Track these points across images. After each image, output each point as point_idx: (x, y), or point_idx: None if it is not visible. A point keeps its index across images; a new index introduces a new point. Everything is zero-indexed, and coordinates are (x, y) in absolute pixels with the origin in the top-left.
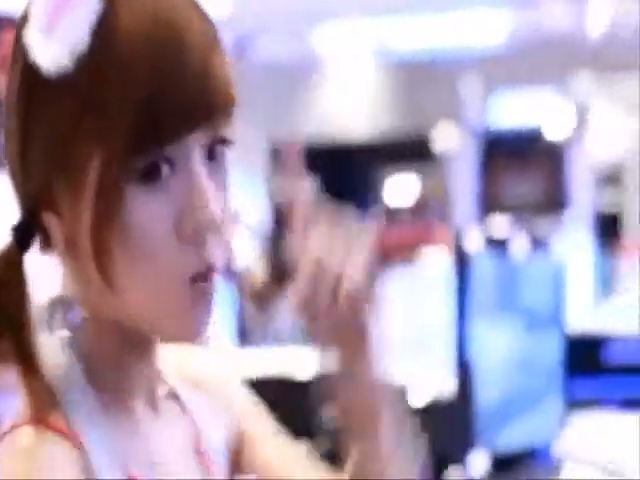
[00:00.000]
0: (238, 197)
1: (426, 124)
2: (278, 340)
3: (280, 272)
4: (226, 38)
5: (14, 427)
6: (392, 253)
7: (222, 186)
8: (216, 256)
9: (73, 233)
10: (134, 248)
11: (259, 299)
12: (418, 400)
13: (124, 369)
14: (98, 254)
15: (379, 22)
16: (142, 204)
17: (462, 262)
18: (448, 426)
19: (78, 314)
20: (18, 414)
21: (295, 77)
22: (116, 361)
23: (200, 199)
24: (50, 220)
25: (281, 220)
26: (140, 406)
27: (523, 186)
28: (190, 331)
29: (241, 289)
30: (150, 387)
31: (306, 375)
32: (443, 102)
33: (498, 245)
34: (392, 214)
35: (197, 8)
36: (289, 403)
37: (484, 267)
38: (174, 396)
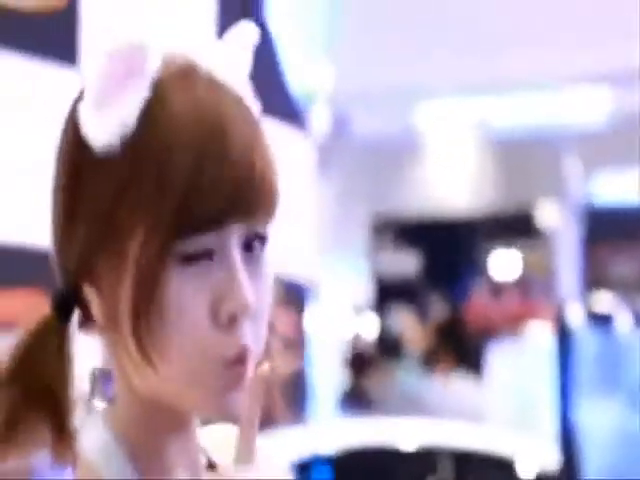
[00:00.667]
0: (342, 274)
1: (528, 200)
2: (379, 410)
3: (383, 344)
4: (326, 114)
5: None
6: (497, 327)
7: (258, 277)
8: (250, 340)
9: (113, 309)
10: (171, 328)
11: (362, 370)
12: (524, 474)
13: (162, 443)
14: (136, 332)
15: (480, 99)
16: (180, 286)
17: (565, 337)
18: None
19: (114, 388)
20: None
21: (397, 153)
22: (154, 435)
23: (236, 286)
24: (91, 294)
25: (384, 295)
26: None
27: (626, 264)
28: (223, 410)
29: (345, 361)
30: (192, 460)
31: (409, 445)
32: (545, 178)
33: (601, 321)
34: (496, 288)
35: (242, 102)
36: (392, 473)
37: (587, 342)
38: (213, 468)
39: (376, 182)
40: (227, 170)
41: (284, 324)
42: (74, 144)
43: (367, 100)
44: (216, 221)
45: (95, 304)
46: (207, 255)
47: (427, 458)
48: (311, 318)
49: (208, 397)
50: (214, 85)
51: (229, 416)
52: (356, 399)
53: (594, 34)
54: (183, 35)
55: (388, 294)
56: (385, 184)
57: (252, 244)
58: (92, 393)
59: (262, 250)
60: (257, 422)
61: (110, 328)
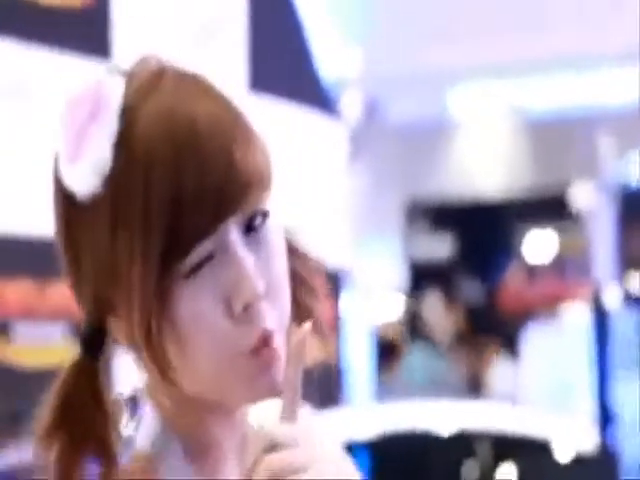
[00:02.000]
0: (375, 258)
1: (563, 181)
2: (409, 394)
3: (416, 327)
4: (358, 100)
5: None
6: (532, 309)
7: (266, 253)
8: (271, 318)
9: (130, 333)
10: (191, 338)
11: (394, 355)
12: (563, 454)
13: (212, 432)
14: (152, 354)
15: (513, 81)
16: (189, 297)
17: (601, 317)
18: (592, 478)
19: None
20: None
21: (431, 136)
22: (204, 426)
23: (242, 279)
24: (114, 323)
25: (417, 278)
26: (232, 464)
27: None
28: (264, 394)
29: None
30: (240, 444)
31: (447, 429)
32: (579, 159)
33: (637, 301)
34: (531, 271)
35: (214, 94)
36: (430, 457)
37: (623, 322)
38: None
39: (410, 166)
40: (206, 179)
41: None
42: (62, 197)
43: (399, 84)
44: (207, 231)
45: (117, 332)
46: (208, 259)
47: (465, 441)
48: (346, 303)
49: (246, 388)
50: (184, 84)
51: (272, 396)
52: (390, 384)
53: (629, 14)
54: (215, 18)
55: (422, 278)
56: (419, 168)
57: (253, 224)
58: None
59: (266, 223)
60: (299, 386)
61: (133, 352)
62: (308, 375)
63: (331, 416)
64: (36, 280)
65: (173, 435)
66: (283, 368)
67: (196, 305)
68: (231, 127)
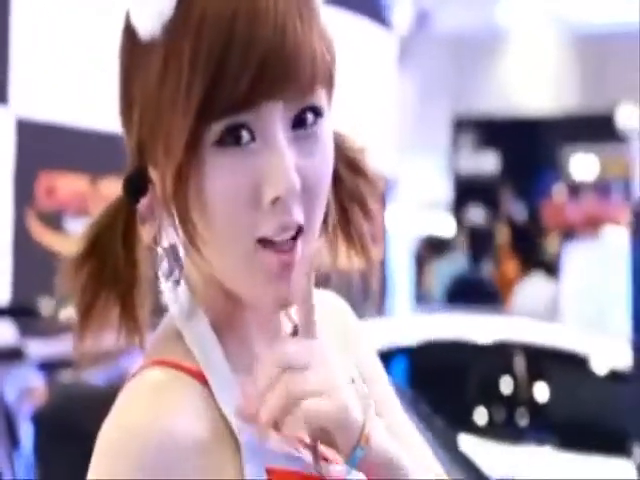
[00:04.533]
0: (421, 170)
1: (609, 101)
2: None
3: (461, 237)
4: (409, 9)
5: (142, 368)
6: (574, 228)
7: (312, 153)
8: (300, 218)
9: (164, 189)
10: (212, 211)
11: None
12: (599, 369)
13: (244, 319)
14: (180, 214)
15: None
16: (222, 169)
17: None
18: (626, 392)
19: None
20: (153, 356)
21: (478, 49)
22: (232, 308)
23: (279, 168)
24: (154, 175)
25: (464, 191)
26: (264, 351)
27: None
28: (274, 298)
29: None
30: (276, 333)
31: (485, 339)
32: (626, 80)
33: None
34: (575, 190)
35: None
36: (468, 366)
37: None
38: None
39: (457, 79)
40: (255, 48)
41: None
42: (127, 33)
43: None
44: (247, 99)
45: (157, 184)
46: (250, 136)
47: (502, 353)
48: (391, 214)
49: (248, 281)
50: None
51: (282, 302)
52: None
53: None
54: None
55: (467, 193)
56: (466, 81)
57: (304, 119)
58: (167, 270)
59: (317, 123)
60: (312, 300)
61: (167, 207)
62: (356, 283)
63: (375, 323)
64: (90, 174)
65: (201, 306)
66: (300, 281)
67: (225, 181)
68: (294, 11)
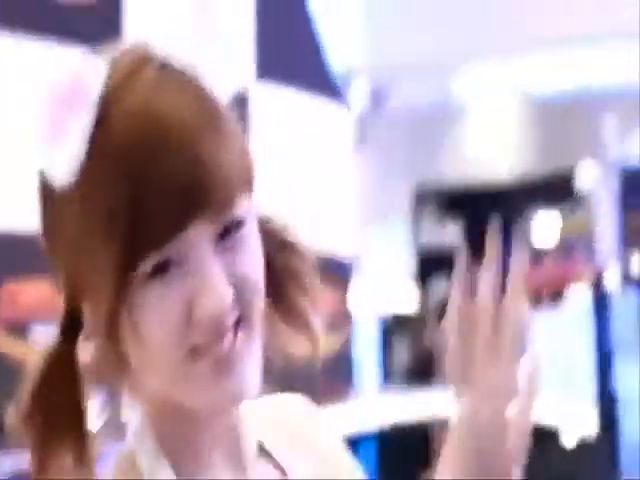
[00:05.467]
0: (385, 244)
1: (569, 164)
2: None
3: (426, 312)
4: (364, 86)
5: None
6: (539, 293)
7: (240, 256)
8: (230, 323)
9: (95, 325)
10: (145, 337)
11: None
12: (567, 439)
13: (192, 431)
14: (113, 348)
15: (517, 63)
16: (152, 298)
17: (602, 300)
18: (595, 461)
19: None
20: None
21: (437, 121)
22: (180, 425)
23: (207, 289)
24: (85, 312)
25: (425, 266)
26: (223, 467)
27: None
28: (221, 397)
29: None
30: (234, 448)
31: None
32: (584, 141)
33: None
34: (537, 253)
35: (194, 90)
36: (433, 448)
37: (624, 304)
38: (266, 454)
39: (417, 152)
40: (172, 178)
41: (327, 302)
42: (42, 182)
43: (405, 69)
44: (168, 236)
45: (89, 320)
46: (177, 262)
47: None
48: (354, 292)
49: (204, 390)
50: (165, 78)
51: (234, 402)
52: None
53: None
54: (224, 6)
55: (431, 265)
56: (426, 154)
57: (229, 230)
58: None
59: (242, 231)
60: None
61: (101, 345)
62: (317, 367)
63: (341, 407)
64: (54, 280)
65: (150, 433)
66: (250, 373)
67: (157, 307)
68: (205, 128)
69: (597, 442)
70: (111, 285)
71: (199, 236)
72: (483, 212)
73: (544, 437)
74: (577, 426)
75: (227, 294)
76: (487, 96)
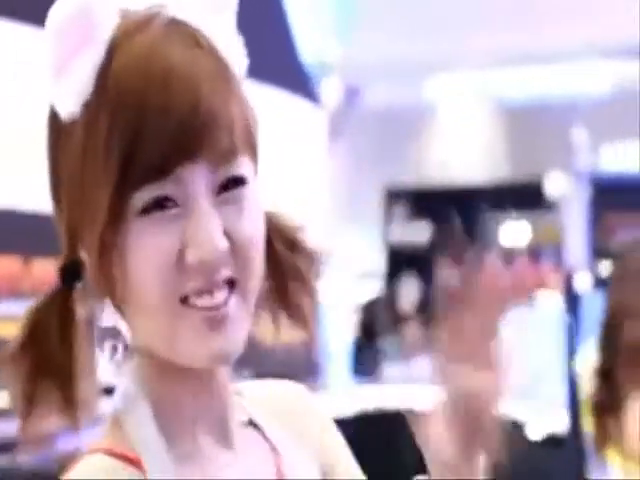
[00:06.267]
0: (353, 242)
1: (538, 170)
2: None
3: (393, 313)
4: (338, 85)
5: (91, 452)
6: (507, 294)
7: (238, 214)
8: (224, 276)
9: (92, 269)
10: (136, 277)
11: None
12: (534, 435)
13: (180, 397)
14: (106, 286)
15: (490, 72)
16: (146, 235)
17: (573, 304)
18: (562, 459)
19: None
20: (96, 444)
21: (408, 122)
22: (171, 389)
23: (202, 232)
24: (85, 257)
25: (394, 263)
26: (208, 435)
27: (633, 233)
28: (208, 354)
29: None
30: (220, 416)
31: (419, 408)
32: (554, 149)
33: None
34: (506, 258)
35: (200, 43)
36: (403, 437)
37: (594, 308)
38: (254, 425)
39: (388, 152)
40: (169, 118)
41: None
42: (51, 117)
43: (379, 71)
44: (163, 168)
45: (87, 264)
46: (175, 203)
47: None
48: (324, 288)
49: (192, 345)
50: (173, 30)
51: (221, 361)
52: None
53: (602, 6)
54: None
55: (400, 263)
56: (397, 154)
57: (229, 185)
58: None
59: (243, 188)
60: None
61: (97, 287)
62: (289, 358)
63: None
64: (22, 255)
65: (144, 390)
66: (238, 336)
67: (149, 246)
68: (210, 76)
69: (564, 440)
70: (106, 212)
71: (197, 179)
72: (453, 213)
73: (513, 430)
74: (546, 423)
75: (221, 242)
76: (459, 101)
